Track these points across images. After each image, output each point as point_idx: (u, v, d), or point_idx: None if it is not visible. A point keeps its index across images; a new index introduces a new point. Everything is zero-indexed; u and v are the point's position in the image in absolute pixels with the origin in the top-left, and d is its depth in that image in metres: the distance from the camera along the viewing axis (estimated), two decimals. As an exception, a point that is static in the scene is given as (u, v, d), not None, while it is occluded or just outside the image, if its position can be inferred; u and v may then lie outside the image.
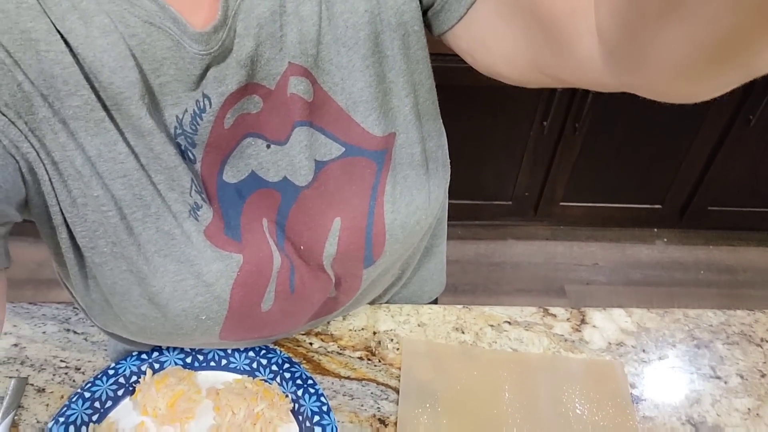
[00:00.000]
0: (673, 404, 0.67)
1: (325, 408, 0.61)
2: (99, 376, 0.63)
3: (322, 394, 0.63)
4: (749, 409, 0.67)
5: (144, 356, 0.65)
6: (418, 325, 0.74)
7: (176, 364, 0.65)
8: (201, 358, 0.66)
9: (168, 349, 0.65)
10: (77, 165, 0.45)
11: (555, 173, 1.79)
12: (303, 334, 0.72)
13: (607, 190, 1.86)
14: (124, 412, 0.62)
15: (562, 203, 1.89)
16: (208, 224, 0.51)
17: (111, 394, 0.62)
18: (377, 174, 0.55)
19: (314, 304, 0.62)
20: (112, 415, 0.62)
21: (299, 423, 0.62)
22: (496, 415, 0.65)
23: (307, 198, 0.54)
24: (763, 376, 0.70)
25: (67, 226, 0.48)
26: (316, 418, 0.61)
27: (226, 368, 0.66)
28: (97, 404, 0.61)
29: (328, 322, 0.73)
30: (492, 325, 0.74)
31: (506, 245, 1.98)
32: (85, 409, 0.60)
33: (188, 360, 0.66)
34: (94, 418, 0.61)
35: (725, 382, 0.69)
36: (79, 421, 0.60)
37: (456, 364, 0.69)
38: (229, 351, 0.66)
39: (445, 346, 0.71)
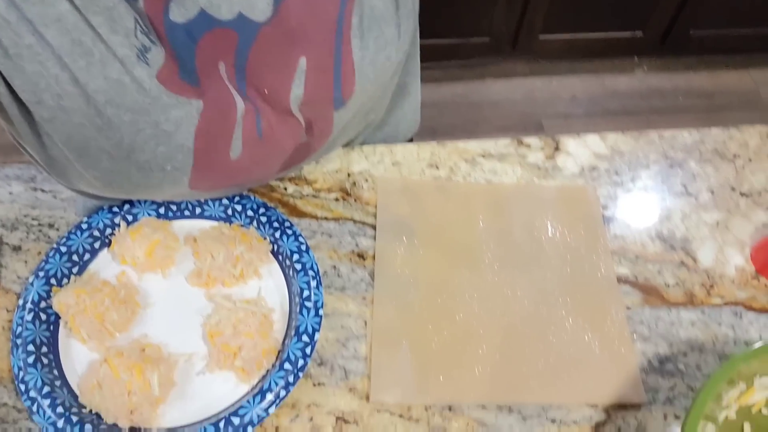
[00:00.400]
0: (644, 222, 0.69)
1: (303, 247, 0.62)
2: (73, 231, 0.62)
3: (300, 235, 0.63)
4: (718, 221, 0.69)
5: (116, 209, 0.64)
6: (393, 165, 0.73)
7: (149, 215, 0.65)
8: (174, 207, 0.65)
9: (140, 200, 0.65)
10: (1, 11, 0.41)
11: (534, 2, 1.70)
12: (277, 180, 0.71)
13: (588, 19, 1.78)
14: (103, 264, 0.63)
15: (541, 36, 1.82)
16: (160, 68, 0.47)
17: (87, 247, 0.62)
18: (341, 5, 0.51)
19: (285, 150, 0.60)
20: (91, 266, 0.62)
21: (279, 263, 0.63)
22: (470, 243, 0.66)
23: (267, 36, 0.50)
24: (733, 190, 0.71)
25: (5, 80, 0.45)
26: (296, 256, 0.62)
27: (201, 216, 0.66)
28: (75, 257, 0.61)
29: (300, 166, 0.72)
30: (466, 159, 0.74)
31: (484, 84, 1.94)
32: (64, 262, 0.61)
33: (161, 210, 0.65)
34: (74, 270, 0.61)
35: (696, 198, 0.71)
36: (59, 274, 0.60)
37: (431, 199, 0.70)
38: (203, 200, 0.65)
39: (420, 182, 0.71)
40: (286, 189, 0.71)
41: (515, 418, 0.57)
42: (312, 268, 0.61)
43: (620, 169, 0.73)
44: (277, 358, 0.58)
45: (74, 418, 0.52)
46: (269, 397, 0.54)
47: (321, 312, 0.58)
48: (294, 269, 0.61)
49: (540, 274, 0.64)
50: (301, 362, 0.55)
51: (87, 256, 0.62)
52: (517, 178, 0.72)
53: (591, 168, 0.73)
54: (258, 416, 0.53)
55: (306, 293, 0.59)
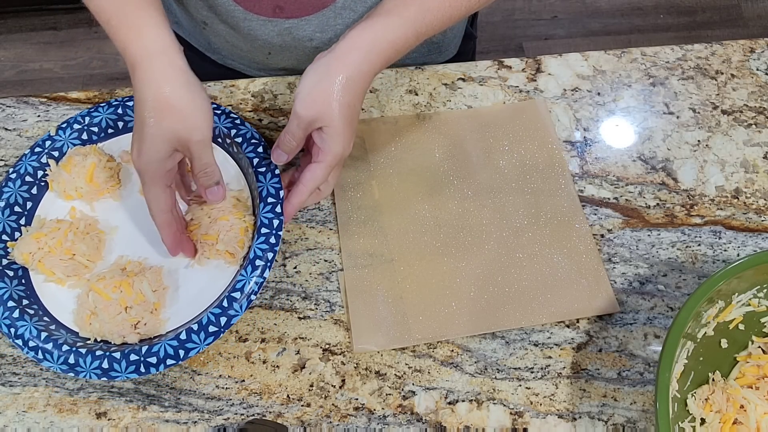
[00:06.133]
0: (625, 144, 0.68)
1: (237, 120, 0.61)
2: (4, 183, 0.59)
3: (230, 112, 0.62)
4: (699, 140, 0.68)
5: (38, 149, 0.61)
6: (371, 92, 0.71)
7: (73, 145, 0.62)
8: (96, 129, 0.62)
9: (59, 131, 0.61)
10: None
11: None
12: (250, 111, 0.69)
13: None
14: (49, 206, 0.60)
15: (519, -48, 1.75)
16: None
17: (26, 195, 0.59)
18: None
19: None
20: (38, 212, 0.60)
21: (220, 144, 0.62)
22: (430, 176, 0.65)
23: None
24: (715, 108, 0.70)
25: None
26: (233, 131, 0.61)
27: (125, 130, 0.63)
28: (17, 209, 0.59)
29: (275, 96, 0.70)
30: (446, 84, 0.71)
31: (462, 6, 1.87)
32: (8, 216, 0.58)
33: (84, 136, 0.62)
34: (22, 221, 0.59)
35: (678, 117, 0.70)
36: (8, 229, 0.58)
37: (412, 131, 0.68)
38: (125, 111, 0.63)
39: (400, 115, 0.69)
40: (261, 120, 0.68)
41: (499, 343, 0.57)
42: (253, 136, 0.60)
43: (602, 89, 0.71)
44: (254, 232, 0.57)
45: (83, 350, 0.52)
46: (259, 263, 0.54)
47: (277, 172, 0.57)
48: (236, 144, 0.60)
49: (503, 200, 0.63)
50: (276, 222, 0.55)
51: (29, 204, 0.59)
52: (499, 101, 0.70)
53: (573, 89, 0.71)
54: (257, 284, 0.53)
55: (256, 161, 0.58)
